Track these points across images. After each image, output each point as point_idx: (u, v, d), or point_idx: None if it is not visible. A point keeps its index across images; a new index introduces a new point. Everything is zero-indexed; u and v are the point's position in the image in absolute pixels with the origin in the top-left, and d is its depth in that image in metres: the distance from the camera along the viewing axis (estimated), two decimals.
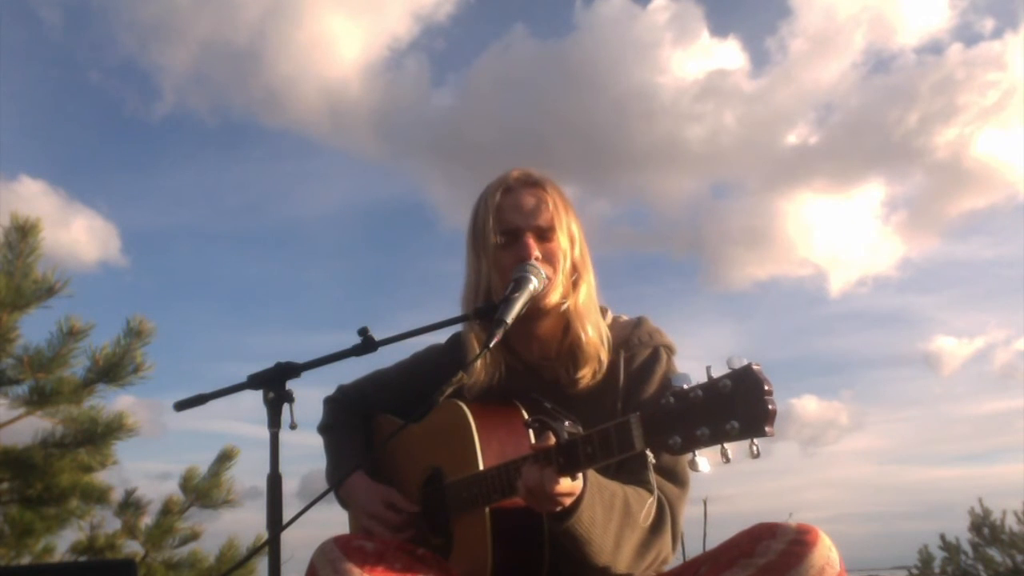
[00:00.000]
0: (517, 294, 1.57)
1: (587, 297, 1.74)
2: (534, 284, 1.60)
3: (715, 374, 1.16)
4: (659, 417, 1.21)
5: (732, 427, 1.11)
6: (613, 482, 1.51)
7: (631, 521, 1.50)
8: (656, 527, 1.57)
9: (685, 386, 1.18)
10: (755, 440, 1.11)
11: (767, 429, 1.09)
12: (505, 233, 1.71)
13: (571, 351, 1.73)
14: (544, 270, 1.65)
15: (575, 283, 1.73)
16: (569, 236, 1.73)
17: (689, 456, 1.18)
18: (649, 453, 1.25)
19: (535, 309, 1.64)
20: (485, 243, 1.72)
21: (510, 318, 1.53)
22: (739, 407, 1.12)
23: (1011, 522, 8.14)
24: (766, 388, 1.10)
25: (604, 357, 1.72)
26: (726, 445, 1.14)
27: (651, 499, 1.46)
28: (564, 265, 1.70)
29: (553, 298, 1.68)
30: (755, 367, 1.12)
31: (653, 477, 1.33)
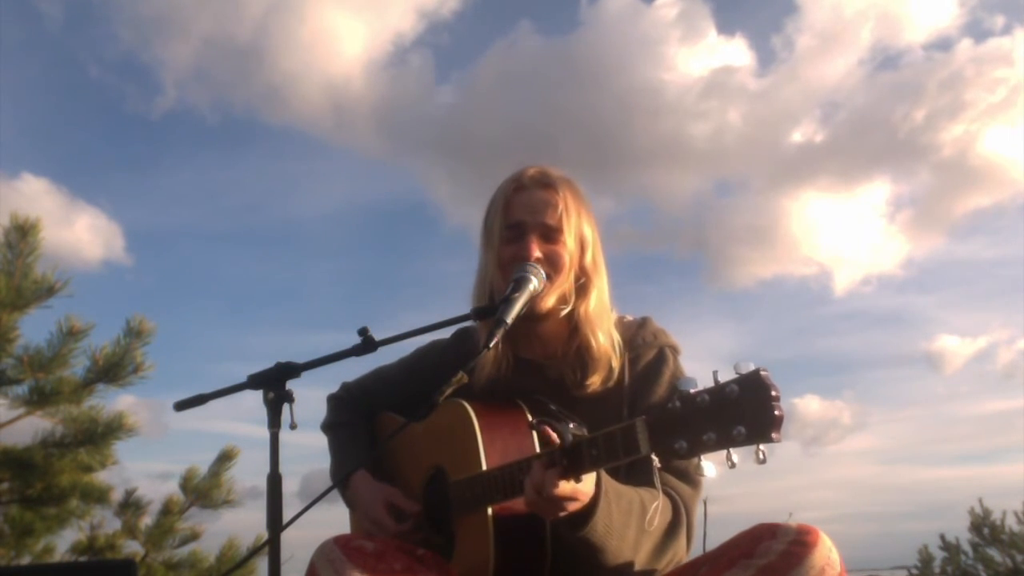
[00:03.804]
0: (517, 294, 1.58)
1: (598, 304, 1.73)
2: (534, 284, 1.61)
3: (722, 378, 1.15)
4: (665, 421, 1.20)
5: (739, 432, 1.10)
6: (629, 487, 1.50)
7: (646, 526, 1.49)
8: (672, 529, 1.57)
9: (692, 390, 1.17)
10: (761, 446, 1.10)
11: (774, 435, 1.08)
12: (510, 228, 1.71)
13: (579, 354, 1.73)
14: (544, 271, 1.65)
15: (585, 289, 1.72)
16: (579, 240, 1.71)
17: (695, 461, 1.17)
18: (654, 457, 1.24)
19: (532, 311, 1.64)
20: (491, 237, 1.74)
21: (510, 318, 1.54)
22: (746, 413, 1.11)
23: (1011, 522, 8.13)
24: (773, 394, 1.09)
25: (616, 364, 1.71)
26: (732, 450, 1.13)
27: (656, 502, 1.46)
28: (567, 269, 1.69)
29: (548, 302, 1.68)
30: (763, 373, 1.11)
31: (659, 481, 1.32)
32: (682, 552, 1.60)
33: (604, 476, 1.41)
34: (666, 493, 1.57)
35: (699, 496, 1.65)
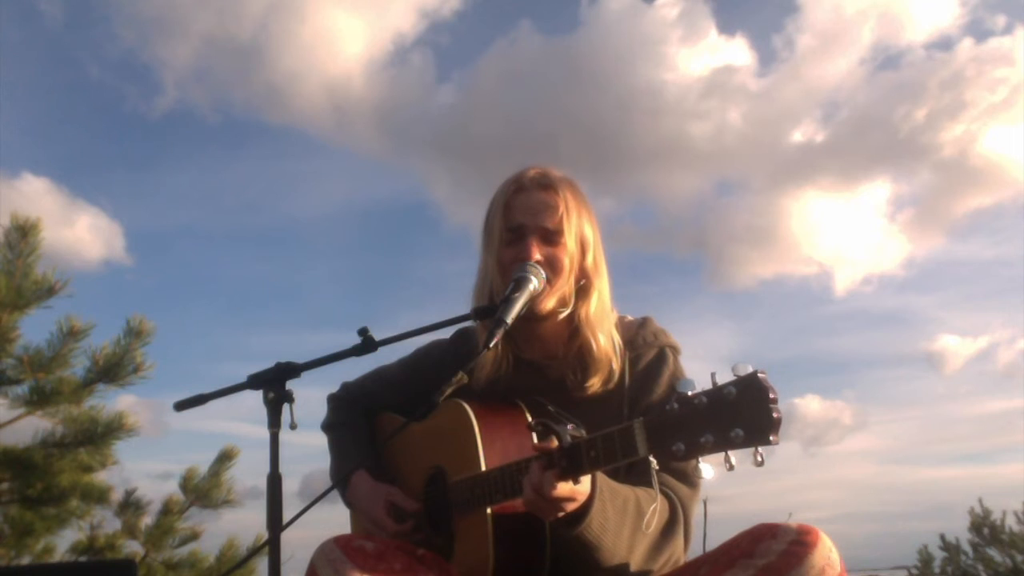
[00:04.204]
0: (517, 294, 1.58)
1: (599, 305, 1.72)
2: (534, 284, 1.60)
3: (720, 380, 1.15)
4: (663, 423, 1.20)
5: (736, 435, 1.10)
6: (625, 486, 1.50)
7: (643, 525, 1.49)
8: (668, 529, 1.57)
9: (690, 392, 1.17)
10: (759, 448, 1.10)
11: (772, 438, 1.08)
12: (511, 230, 1.70)
13: (579, 355, 1.72)
14: (545, 273, 1.64)
15: (585, 290, 1.72)
16: (579, 241, 1.71)
17: (693, 462, 1.17)
18: (652, 459, 1.24)
19: (532, 312, 1.64)
20: (491, 239, 1.73)
21: (510, 318, 1.54)
22: (744, 415, 1.11)
23: (1011, 522, 8.13)
24: (771, 396, 1.09)
25: (616, 367, 1.71)
26: (730, 452, 1.13)
27: (654, 504, 1.46)
28: (567, 271, 1.69)
29: (548, 304, 1.67)
30: (760, 375, 1.11)
31: (656, 483, 1.32)
32: (679, 552, 1.60)
33: (599, 475, 1.41)
34: (664, 494, 1.57)
35: (697, 497, 1.65)
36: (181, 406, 1.65)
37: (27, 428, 3.93)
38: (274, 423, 1.53)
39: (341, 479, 1.90)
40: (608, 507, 1.43)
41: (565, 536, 1.44)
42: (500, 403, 1.72)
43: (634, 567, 1.51)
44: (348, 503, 1.94)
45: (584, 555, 1.45)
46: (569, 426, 1.37)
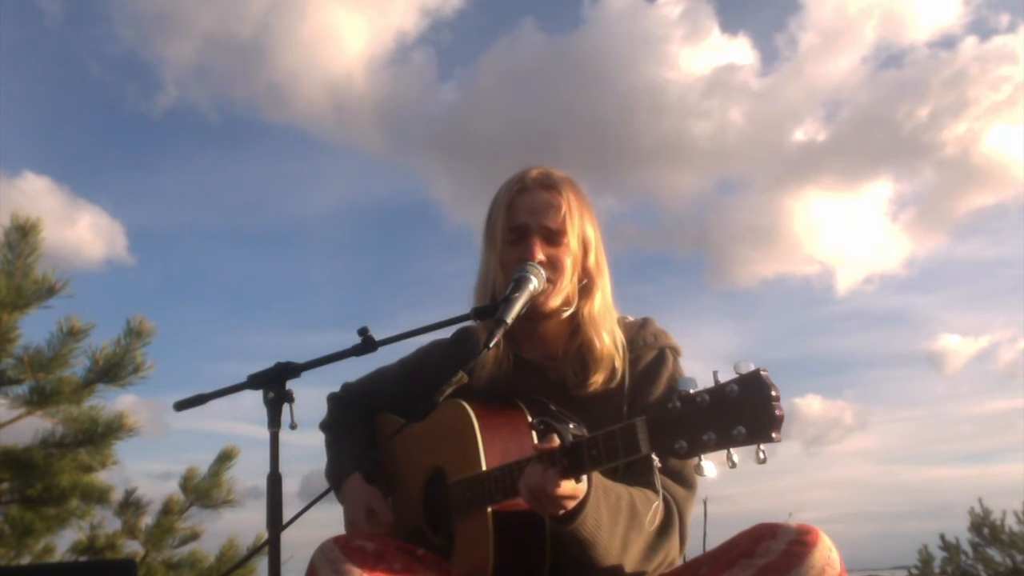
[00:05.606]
0: (517, 294, 1.58)
1: (602, 305, 1.73)
2: (534, 284, 1.61)
3: (722, 379, 1.16)
4: (665, 421, 1.20)
5: (739, 432, 1.10)
6: (619, 484, 1.51)
7: (637, 523, 1.49)
8: (663, 529, 1.57)
9: (692, 390, 1.18)
10: (761, 445, 1.10)
11: (774, 435, 1.09)
12: (513, 230, 1.71)
13: (580, 354, 1.73)
14: (546, 273, 1.65)
15: (588, 290, 1.73)
16: (582, 242, 1.72)
17: (695, 461, 1.17)
18: (655, 457, 1.24)
19: (535, 311, 1.64)
20: (494, 238, 1.74)
21: (510, 318, 1.54)
22: (746, 412, 1.11)
23: (1011, 522, 8.15)
24: (773, 394, 1.09)
25: (619, 365, 1.72)
26: (732, 450, 1.13)
27: (656, 502, 1.46)
28: (570, 271, 1.69)
29: (553, 302, 1.68)
30: (763, 372, 1.11)
31: (659, 480, 1.33)
32: (674, 553, 1.60)
33: (594, 472, 1.41)
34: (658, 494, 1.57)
35: (693, 498, 1.65)
36: (181, 406, 1.65)
37: (27, 428, 3.94)
38: (274, 423, 1.53)
39: (336, 483, 1.91)
40: (602, 504, 1.43)
41: (560, 533, 1.44)
42: (500, 403, 1.72)
43: (629, 567, 1.51)
44: (341, 502, 1.95)
45: (579, 552, 1.45)
46: (570, 425, 1.37)
